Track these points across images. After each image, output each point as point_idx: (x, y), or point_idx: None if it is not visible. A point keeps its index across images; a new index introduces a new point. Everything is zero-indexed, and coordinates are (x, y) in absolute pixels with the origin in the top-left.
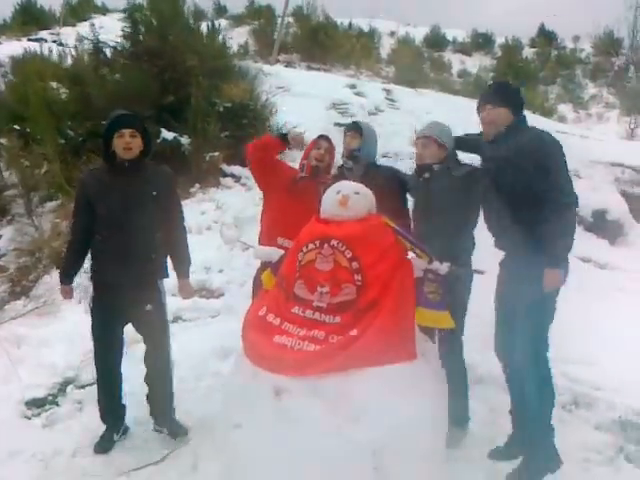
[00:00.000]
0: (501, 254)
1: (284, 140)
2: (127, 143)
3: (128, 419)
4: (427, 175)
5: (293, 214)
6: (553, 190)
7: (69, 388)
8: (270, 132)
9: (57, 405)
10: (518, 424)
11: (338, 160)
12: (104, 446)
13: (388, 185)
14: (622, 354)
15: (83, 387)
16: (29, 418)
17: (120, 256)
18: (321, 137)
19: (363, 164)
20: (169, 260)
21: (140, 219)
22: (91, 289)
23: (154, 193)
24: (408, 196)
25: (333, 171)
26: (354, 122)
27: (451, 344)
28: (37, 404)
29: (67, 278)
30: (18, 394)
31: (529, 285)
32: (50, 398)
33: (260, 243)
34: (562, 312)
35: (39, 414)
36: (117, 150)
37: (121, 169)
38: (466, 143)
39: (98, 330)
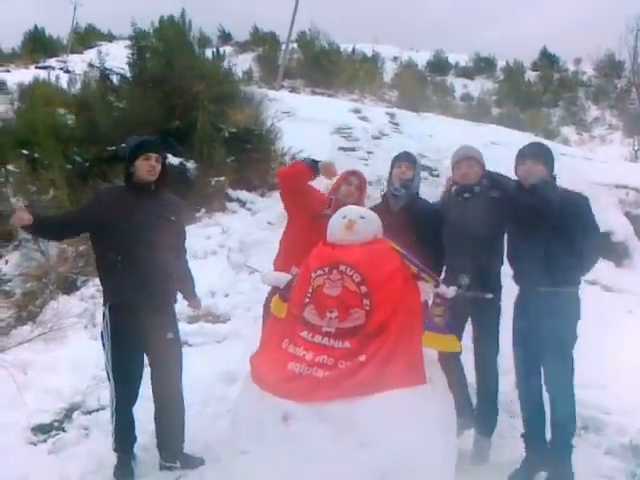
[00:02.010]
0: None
1: (315, 169)
2: (152, 167)
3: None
4: (467, 195)
5: (311, 247)
6: (587, 240)
7: (75, 414)
8: (280, 157)
9: (63, 431)
10: (532, 446)
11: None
12: (126, 475)
13: (428, 216)
14: (631, 377)
15: (89, 413)
16: (35, 444)
17: (140, 276)
18: (352, 173)
19: (410, 193)
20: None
21: (160, 241)
22: (104, 314)
23: (172, 218)
24: None
25: (371, 202)
26: (406, 153)
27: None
28: (43, 430)
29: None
30: (24, 420)
31: (562, 321)
32: (56, 424)
33: (274, 268)
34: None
35: (45, 440)
36: (140, 172)
37: (142, 191)
38: (500, 182)
39: (117, 358)
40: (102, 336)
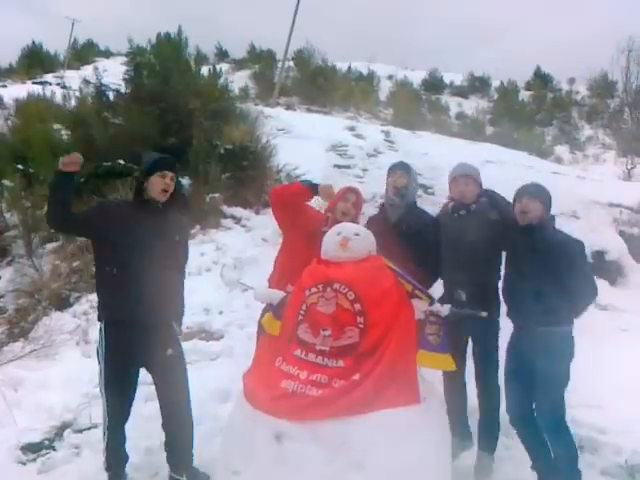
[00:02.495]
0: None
1: (314, 190)
2: (167, 185)
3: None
4: (463, 212)
5: (307, 265)
6: (578, 282)
7: (66, 432)
8: (275, 174)
9: (53, 450)
10: (542, 473)
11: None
12: None
13: (426, 226)
14: (627, 396)
15: (81, 431)
16: (24, 463)
17: (139, 292)
18: (349, 190)
19: (406, 202)
20: None
21: (161, 259)
22: (100, 330)
23: (177, 238)
24: None
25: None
26: (401, 162)
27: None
28: (33, 449)
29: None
30: (14, 438)
31: (555, 361)
32: (46, 442)
33: (270, 285)
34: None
35: (35, 459)
36: (152, 189)
37: (152, 208)
38: (499, 204)
39: (111, 375)
40: (97, 353)
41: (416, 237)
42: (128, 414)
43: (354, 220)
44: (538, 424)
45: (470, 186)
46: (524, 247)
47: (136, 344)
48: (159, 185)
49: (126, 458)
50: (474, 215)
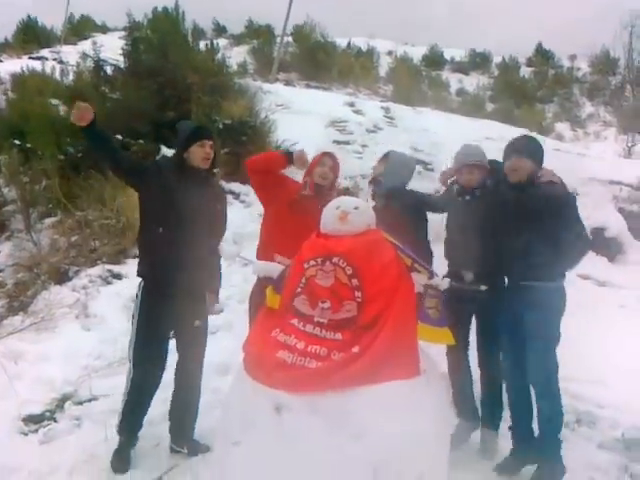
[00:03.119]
0: None
1: (289, 158)
2: (207, 153)
3: None
4: (468, 197)
5: (292, 231)
6: (569, 235)
7: (67, 404)
8: (274, 149)
9: (54, 421)
10: (518, 438)
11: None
12: (124, 463)
13: (409, 214)
14: (624, 371)
15: (81, 403)
16: (26, 434)
17: (180, 255)
18: (325, 154)
19: (384, 191)
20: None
21: (207, 227)
22: (137, 293)
23: (218, 207)
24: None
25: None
26: (387, 151)
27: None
28: (34, 420)
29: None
30: (15, 410)
31: (544, 316)
32: (47, 414)
33: (257, 258)
34: (563, 330)
35: (36, 430)
36: (194, 159)
37: (194, 176)
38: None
39: (143, 340)
40: (132, 317)
41: (399, 221)
42: (154, 382)
43: (332, 184)
44: (529, 388)
45: (475, 174)
46: (513, 204)
47: (169, 309)
48: (200, 154)
49: (141, 426)
50: (480, 199)
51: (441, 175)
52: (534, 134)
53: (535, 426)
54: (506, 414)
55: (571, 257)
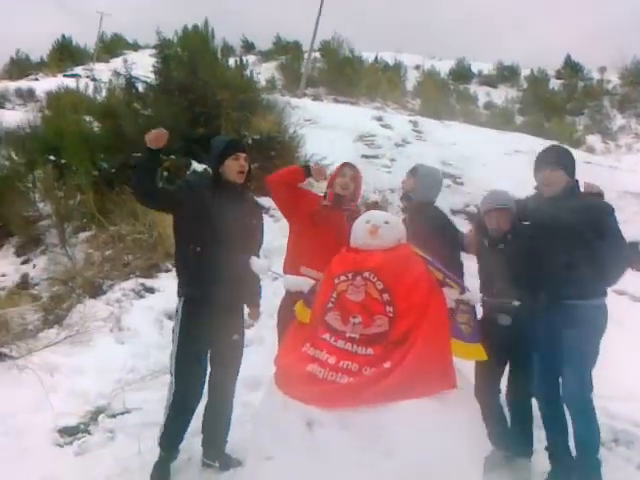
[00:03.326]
0: None
1: (306, 171)
2: (242, 166)
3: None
4: (501, 246)
5: (317, 243)
6: (610, 250)
7: (101, 417)
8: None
9: (89, 434)
10: (556, 459)
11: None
12: (164, 476)
13: (438, 226)
14: None
15: (114, 416)
16: (61, 446)
17: (217, 271)
18: (345, 164)
19: (415, 206)
20: None
21: (243, 242)
22: (177, 308)
23: (254, 222)
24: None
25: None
26: (414, 166)
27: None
28: (69, 432)
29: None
30: (50, 422)
31: (578, 329)
32: (82, 427)
33: (284, 271)
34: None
35: (71, 442)
36: (229, 172)
37: (229, 191)
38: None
39: (183, 355)
40: (172, 332)
41: (428, 236)
42: (196, 396)
43: (354, 194)
44: (563, 404)
45: (505, 218)
46: (549, 218)
47: (209, 325)
48: (235, 167)
49: (182, 439)
50: (512, 245)
51: (473, 226)
52: (565, 146)
53: (571, 443)
54: (538, 433)
55: (614, 273)
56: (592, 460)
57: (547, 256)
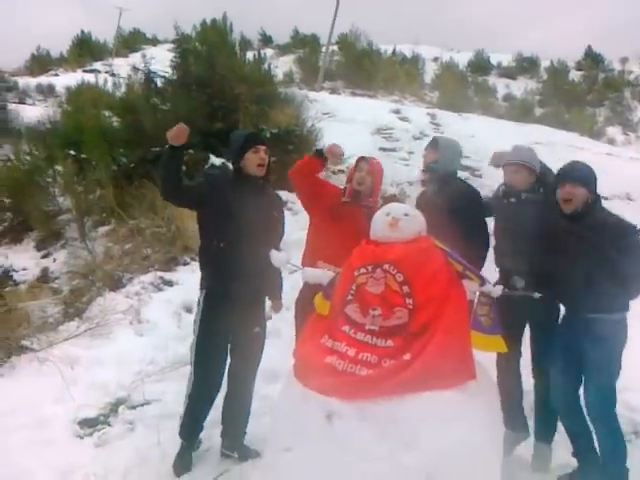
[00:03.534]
0: None
1: (320, 157)
2: (262, 159)
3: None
4: (513, 200)
5: (335, 238)
6: (630, 264)
7: (121, 408)
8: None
9: (109, 425)
10: (585, 460)
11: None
12: (185, 465)
13: (464, 199)
14: None
15: (134, 408)
16: (82, 437)
17: (239, 265)
18: (361, 159)
19: (439, 177)
20: None
21: (265, 235)
22: (199, 300)
23: (275, 214)
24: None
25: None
26: (433, 138)
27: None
28: (89, 424)
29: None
30: (71, 414)
31: (606, 349)
32: (102, 418)
33: (302, 264)
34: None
35: (91, 434)
36: (249, 165)
37: (250, 185)
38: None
39: (203, 346)
40: (194, 323)
41: (455, 209)
42: (215, 386)
43: (372, 188)
44: (585, 414)
45: (520, 174)
46: (571, 233)
47: (230, 317)
48: (255, 160)
49: (201, 429)
50: (524, 204)
51: (493, 156)
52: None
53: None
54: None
55: (635, 289)
56: (620, 468)
57: (566, 270)
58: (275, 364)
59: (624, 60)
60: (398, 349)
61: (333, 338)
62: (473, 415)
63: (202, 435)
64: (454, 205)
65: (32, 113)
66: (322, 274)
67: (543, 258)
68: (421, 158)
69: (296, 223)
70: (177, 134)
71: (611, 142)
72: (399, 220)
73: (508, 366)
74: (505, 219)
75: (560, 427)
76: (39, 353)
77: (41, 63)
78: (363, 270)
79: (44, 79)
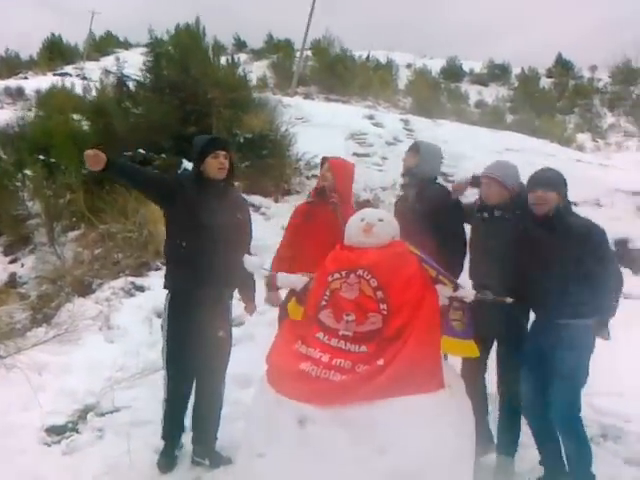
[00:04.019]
0: None
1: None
2: (221, 164)
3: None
4: (486, 215)
5: (308, 241)
6: (602, 273)
7: (89, 415)
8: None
9: (77, 432)
10: (551, 469)
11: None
12: (168, 463)
13: (443, 203)
14: None
15: (103, 415)
16: (49, 445)
17: (201, 265)
18: (324, 159)
19: (418, 181)
20: None
21: (229, 237)
22: (165, 303)
23: (239, 216)
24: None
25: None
26: (414, 142)
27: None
28: (57, 431)
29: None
30: (38, 421)
31: (571, 350)
32: (70, 425)
33: (272, 266)
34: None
35: (59, 441)
36: (210, 170)
37: (212, 188)
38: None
39: (173, 348)
40: (162, 328)
41: (434, 213)
42: (191, 387)
43: (334, 186)
44: (551, 419)
45: (491, 188)
46: (542, 238)
47: (194, 319)
48: (215, 165)
49: (183, 429)
50: (496, 222)
51: (455, 184)
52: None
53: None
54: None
55: (610, 295)
56: (586, 473)
57: (537, 276)
58: (247, 369)
59: (593, 68)
60: (372, 355)
61: (307, 344)
62: (445, 421)
63: (183, 439)
64: (433, 209)
65: (0, 117)
66: (296, 279)
67: (514, 268)
68: (394, 163)
69: (270, 228)
70: (93, 162)
71: (580, 149)
72: (373, 225)
73: (474, 379)
74: (477, 234)
75: (527, 430)
76: (6, 360)
77: (10, 65)
78: (337, 275)
79: (13, 82)
